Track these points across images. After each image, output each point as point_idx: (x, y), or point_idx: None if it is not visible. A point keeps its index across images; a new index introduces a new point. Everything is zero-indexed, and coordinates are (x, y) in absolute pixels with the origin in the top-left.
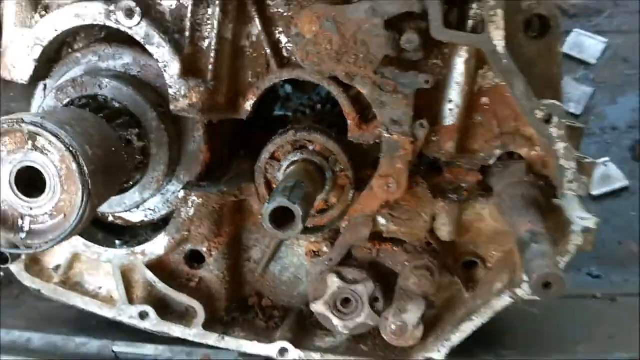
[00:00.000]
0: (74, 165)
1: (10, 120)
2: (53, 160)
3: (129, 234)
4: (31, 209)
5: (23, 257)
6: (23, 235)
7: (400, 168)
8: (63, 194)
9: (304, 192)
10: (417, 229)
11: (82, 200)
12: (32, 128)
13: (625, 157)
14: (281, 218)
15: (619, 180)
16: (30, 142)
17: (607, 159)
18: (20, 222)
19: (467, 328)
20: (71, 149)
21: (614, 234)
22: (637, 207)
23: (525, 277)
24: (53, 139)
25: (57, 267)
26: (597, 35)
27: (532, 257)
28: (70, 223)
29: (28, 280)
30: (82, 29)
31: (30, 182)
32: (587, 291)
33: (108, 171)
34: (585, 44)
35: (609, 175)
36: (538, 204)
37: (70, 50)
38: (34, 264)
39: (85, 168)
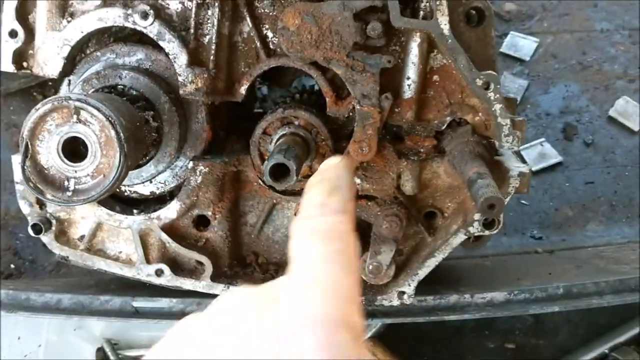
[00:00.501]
0: (112, 133)
1: (58, 99)
2: (94, 129)
3: (143, 205)
4: (75, 171)
5: (53, 228)
6: (69, 193)
7: (371, 134)
8: (102, 158)
9: (295, 152)
10: (386, 185)
11: (120, 160)
12: (77, 103)
13: (558, 137)
14: (277, 174)
15: (554, 157)
16: (75, 116)
17: (543, 139)
18: (66, 183)
19: (431, 263)
20: (110, 119)
21: (552, 202)
22: (569, 179)
23: (476, 216)
24: (95, 112)
25: (82, 237)
26: (529, 36)
27: (479, 187)
28: (109, 181)
29: (57, 249)
30: (94, 36)
31: (72, 149)
32: (530, 249)
33: (136, 140)
34: (520, 43)
35: (545, 153)
36: (482, 157)
37: (83, 54)
38: (62, 235)
39: (121, 134)
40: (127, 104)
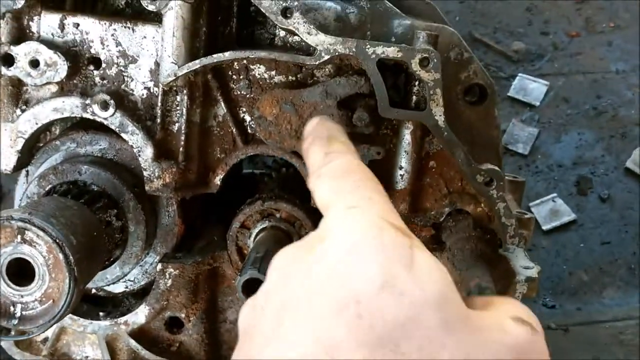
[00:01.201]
0: (60, 256)
1: (0, 218)
2: (41, 251)
3: (111, 304)
4: (22, 296)
5: (12, 332)
6: (15, 321)
7: None
8: (51, 282)
9: None
10: None
11: (69, 286)
12: (20, 224)
13: (571, 192)
14: (253, 286)
15: (567, 215)
16: (19, 236)
17: (554, 194)
18: (12, 309)
19: None
20: (57, 240)
21: (565, 265)
22: (584, 238)
23: None
24: (40, 233)
25: (45, 340)
26: (539, 78)
27: None
28: (58, 308)
29: (18, 355)
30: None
31: (19, 271)
32: (543, 323)
33: (91, 256)
34: (529, 87)
35: (557, 210)
36: (485, 256)
37: (49, 134)
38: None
39: (71, 257)
40: (83, 210)
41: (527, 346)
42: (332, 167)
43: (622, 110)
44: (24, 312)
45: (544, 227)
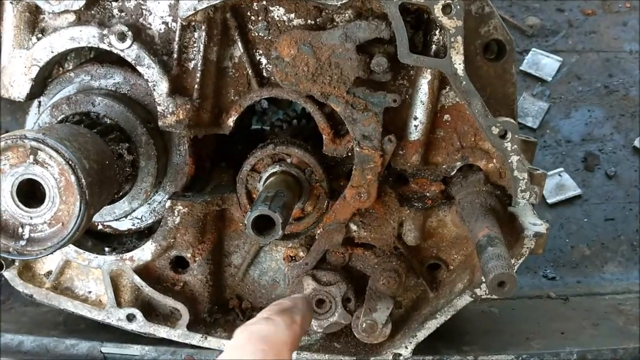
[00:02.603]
0: (72, 178)
1: (13, 137)
2: (53, 173)
3: (117, 241)
4: (31, 218)
5: (16, 263)
6: (23, 242)
7: (370, 179)
8: (61, 205)
9: (283, 201)
10: (385, 234)
11: (80, 210)
12: (34, 143)
13: (578, 167)
14: (262, 225)
15: (572, 189)
16: (31, 157)
17: (561, 169)
18: (20, 230)
19: (432, 325)
20: (70, 162)
21: (568, 238)
22: (588, 213)
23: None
24: (53, 154)
25: (49, 273)
26: (552, 54)
27: (489, 258)
28: (67, 231)
29: (21, 286)
30: (73, 50)
31: (30, 193)
32: (543, 292)
33: (102, 183)
34: (542, 62)
35: (563, 184)
36: (494, 211)
37: (61, 69)
38: (27, 270)
39: (83, 180)
40: (96, 138)
41: None
42: (257, 328)
43: (633, 90)
44: (32, 234)
45: (549, 201)
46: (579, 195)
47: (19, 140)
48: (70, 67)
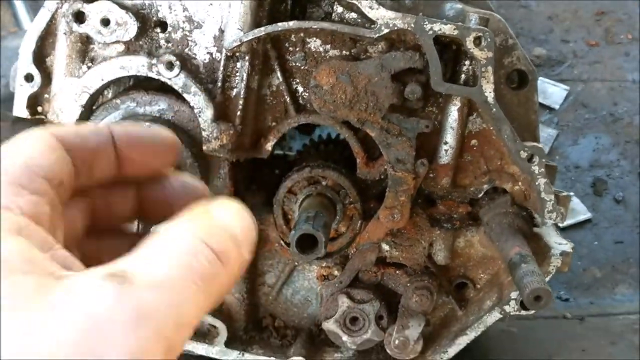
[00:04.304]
0: None
1: None
2: None
3: None
4: None
5: None
6: None
7: (403, 200)
8: None
9: (324, 220)
10: (416, 254)
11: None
12: None
13: (587, 192)
14: (304, 244)
15: (583, 213)
16: None
17: (571, 193)
18: None
19: (462, 341)
20: None
21: (580, 261)
22: (598, 237)
23: (512, 294)
24: None
25: None
26: (559, 83)
27: (523, 275)
28: None
29: None
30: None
31: None
32: (558, 313)
33: None
34: (549, 90)
35: (574, 208)
36: (522, 232)
37: (101, 96)
38: None
39: None
40: None
41: (105, 314)
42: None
43: (637, 117)
44: None
45: (560, 224)
46: (589, 219)
47: None
48: (110, 95)
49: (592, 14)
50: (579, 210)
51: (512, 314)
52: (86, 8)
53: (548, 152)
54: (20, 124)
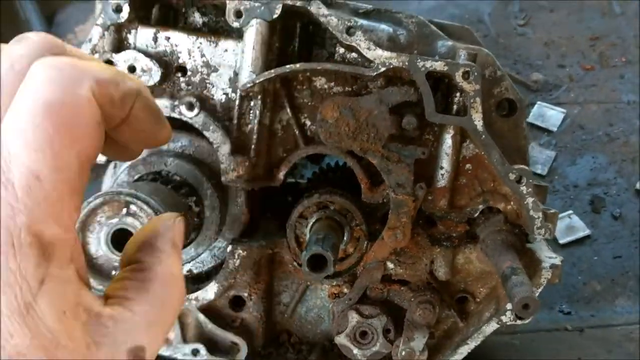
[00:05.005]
0: None
1: (109, 193)
2: (142, 222)
3: None
4: None
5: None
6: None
7: (405, 221)
8: None
9: (332, 242)
10: (419, 271)
11: None
12: (128, 198)
13: (586, 210)
14: (314, 264)
15: (582, 230)
16: (125, 209)
17: (570, 211)
18: (113, 272)
19: (464, 350)
20: (157, 212)
21: (580, 276)
22: (598, 252)
23: (508, 306)
24: (144, 206)
25: None
26: (556, 107)
27: (513, 285)
28: None
29: None
30: None
31: (119, 239)
32: (560, 325)
33: None
34: (547, 114)
35: (573, 225)
36: (514, 247)
37: None
38: None
39: None
40: (172, 193)
41: None
42: None
43: (632, 137)
44: None
45: (561, 241)
46: (588, 236)
47: (115, 196)
48: None
49: (587, 39)
50: (579, 227)
51: (508, 323)
52: (114, 57)
53: (547, 172)
54: None
